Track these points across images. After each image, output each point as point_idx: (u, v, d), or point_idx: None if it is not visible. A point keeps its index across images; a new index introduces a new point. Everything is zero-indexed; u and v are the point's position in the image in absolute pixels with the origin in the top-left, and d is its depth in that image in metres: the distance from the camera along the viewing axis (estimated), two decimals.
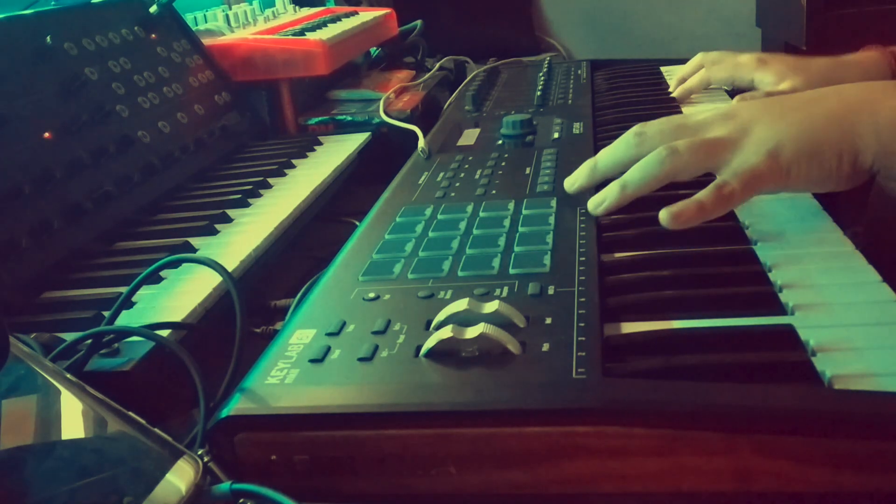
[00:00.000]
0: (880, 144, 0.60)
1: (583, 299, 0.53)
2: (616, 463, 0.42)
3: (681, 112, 1.03)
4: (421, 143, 0.96)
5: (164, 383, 0.57)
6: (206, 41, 1.22)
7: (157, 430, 0.44)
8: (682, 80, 1.11)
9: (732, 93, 1.07)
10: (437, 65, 1.50)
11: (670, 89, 1.12)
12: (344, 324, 0.53)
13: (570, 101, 1.12)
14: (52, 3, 1.15)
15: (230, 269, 0.62)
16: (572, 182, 0.71)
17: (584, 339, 0.48)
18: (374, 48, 1.56)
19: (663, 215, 0.60)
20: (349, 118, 1.22)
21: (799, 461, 0.40)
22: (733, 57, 1.06)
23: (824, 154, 0.61)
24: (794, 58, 1.03)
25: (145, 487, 0.39)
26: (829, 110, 0.63)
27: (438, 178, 0.83)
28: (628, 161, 0.66)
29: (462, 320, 0.50)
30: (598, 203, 0.67)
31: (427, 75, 1.43)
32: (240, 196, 0.91)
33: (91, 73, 0.96)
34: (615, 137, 0.92)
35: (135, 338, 0.58)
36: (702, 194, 0.61)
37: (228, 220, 0.86)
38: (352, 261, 0.64)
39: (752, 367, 0.47)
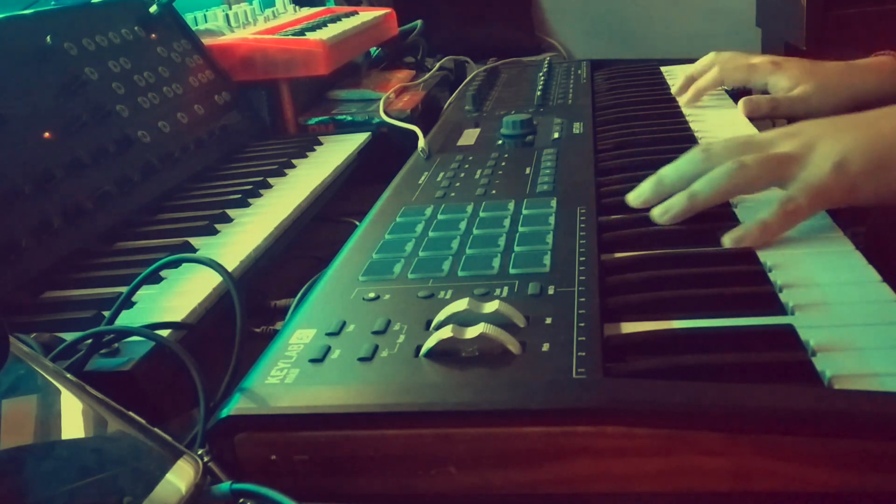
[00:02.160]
0: None
1: (583, 299, 0.53)
2: (616, 463, 0.42)
3: (680, 112, 1.03)
4: (421, 143, 0.96)
5: (164, 383, 0.57)
6: (206, 41, 1.22)
7: (157, 430, 0.44)
8: (691, 79, 1.10)
9: (735, 96, 1.07)
10: (437, 65, 1.50)
11: (677, 89, 1.11)
12: (344, 324, 0.53)
13: (570, 101, 1.12)
14: (52, 3, 1.15)
15: (230, 269, 0.62)
16: (637, 196, 0.70)
17: (584, 339, 0.48)
18: (374, 48, 1.56)
19: (727, 241, 0.62)
20: (349, 118, 1.22)
21: (799, 461, 0.40)
22: (746, 58, 1.06)
23: (891, 168, 0.61)
24: (808, 62, 1.03)
25: (145, 487, 0.39)
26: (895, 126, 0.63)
27: (438, 178, 0.83)
28: (694, 177, 0.67)
29: (462, 320, 0.50)
30: (663, 211, 0.67)
31: (427, 75, 1.43)
32: (240, 196, 0.91)
33: (91, 73, 0.96)
34: (615, 137, 0.93)
35: (135, 338, 0.58)
36: (765, 213, 0.62)
37: (228, 220, 0.86)
38: (352, 261, 0.64)
39: (752, 367, 0.47)
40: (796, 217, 0.62)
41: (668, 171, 0.69)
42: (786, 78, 0.99)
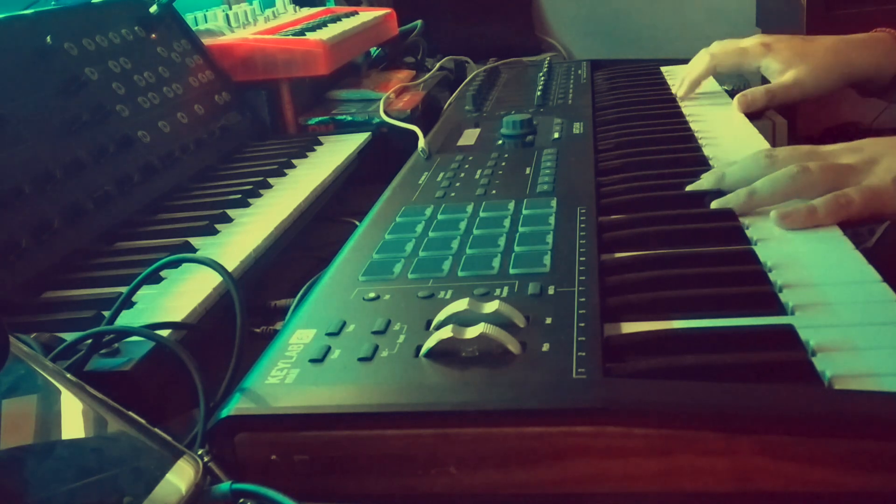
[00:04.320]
0: None
1: (583, 299, 0.53)
2: (616, 463, 0.42)
3: (680, 112, 1.03)
4: (421, 143, 0.96)
5: (164, 383, 0.57)
6: (206, 41, 1.22)
7: (157, 430, 0.44)
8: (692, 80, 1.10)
9: (732, 93, 1.07)
10: (437, 65, 1.50)
11: (677, 89, 1.11)
12: (344, 324, 0.53)
13: (570, 101, 1.12)
14: (52, 3, 1.15)
15: (230, 269, 0.62)
16: (695, 188, 0.73)
17: (584, 339, 0.48)
18: (374, 48, 1.56)
19: (773, 216, 0.64)
20: (349, 118, 1.22)
21: (799, 461, 0.40)
22: (736, 43, 1.05)
23: None
24: (800, 40, 1.02)
25: (145, 487, 0.39)
26: None
27: (438, 178, 0.83)
28: (756, 178, 0.69)
29: (462, 320, 0.50)
30: (721, 204, 0.69)
31: (427, 75, 1.43)
32: (240, 196, 0.91)
33: (91, 73, 0.96)
34: (615, 137, 0.93)
35: (135, 338, 0.58)
36: (817, 201, 0.64)
37: (228, 220, 0.86)
38: (352, 261, 0.64)
39: (752, 367, 0.47)
40: (846, 210, 0.64)
41: (732, 170, 0.72)
42: (777, 61, 1.00)
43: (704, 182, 0.73)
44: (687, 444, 0.41)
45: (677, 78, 1.13)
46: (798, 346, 0.48)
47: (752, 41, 1.04)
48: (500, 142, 0.94)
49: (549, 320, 0.51)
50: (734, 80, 1.13)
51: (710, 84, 1.14)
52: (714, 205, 0.69)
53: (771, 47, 1.01)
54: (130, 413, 0.44)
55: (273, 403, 0.46)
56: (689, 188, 0.73)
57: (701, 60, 1.08)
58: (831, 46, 0.99)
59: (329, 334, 0.52)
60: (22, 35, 0.91)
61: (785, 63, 0.99)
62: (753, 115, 1.01)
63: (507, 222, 0.68)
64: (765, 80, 1.05)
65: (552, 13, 2.50)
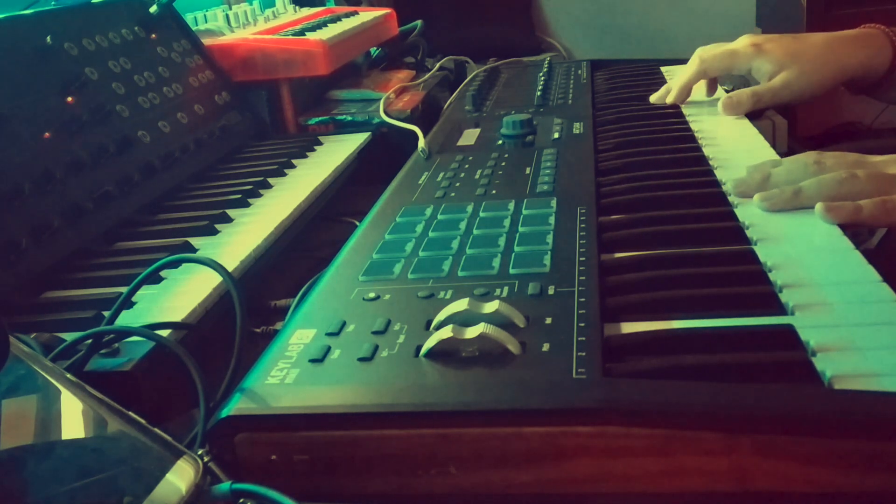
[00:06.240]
0: None
1: (583, 299, 0.53)
2: (616, 463, 0.42)
3: (680, 112, 1.03)
4: (421, 143, 0.96)
5: (164, 383, 0.57)
6: (206, 41, 1.22)
7: (157, 430, 0.44)
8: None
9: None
10: (437, 65, 1.50)
11: (669, 97, 1.10)
12: (344, 324, 0.53)
13: (570, 101, 1.12)
14: (52, 3, 1.15)
15: (230, 269, 0.62)
16: (738, 184, 0.73)
17: (584, 339, 0.48)
18: (374, 48, 1.56)
19: (818, 207, 0.65)
20: (349, 118, 1.22)
21: (799, 461, 0.40)
22: (726, 46, 1.04)
23: None
24: (790, 39, 1.01)
25: (145, 487, 0.39)
26: None
27: (438, 178, 0.83)
28: (802, 181, 0.69)
29: (462, 320, 0.50)
30: (766, 197, 0.69)
31: (427, 75, 1.43)
32: (240, 196, 0.91)
33: (91, 73, 0.96)
34: (615, 137, 0.93)
35: (135, 338, 0.58)
36: (863, 202, 0.65)
37: (228, 220, 0.86)
38: (352, 261, 0.64)
39: (752, 367, 0.47)
40: (890, 217, 0.64)
41: (778, 171, 0.72)
42: (769, 62, 0.99)
43: (749, 179, 0.72)
44: (687, 444, 0.41)
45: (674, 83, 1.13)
46: (798, 346, 0.48)
47: (742, 42, 1.03)
48: (500, 142, 0.94)
49: (549, 320, 0.51)
50: (736, 80, 1.12)
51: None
52: (757, 198, 0.69)
53: (761, 48, 1.00)
54: (130, 413, 0.44)
55: (273, 403, 0.46)
56: (731, 183, 0.73)
57: (691, 66, 1.06)
58: (823, 45, 0.98)
59: (329, 334, 0.52)
60: (22, 35, 0.91)
61: (776, 64, 0.98)
62: (753, 115, 1.01)
63: (507, 222, 0.68)
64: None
65: (552, 13, 2.50)
